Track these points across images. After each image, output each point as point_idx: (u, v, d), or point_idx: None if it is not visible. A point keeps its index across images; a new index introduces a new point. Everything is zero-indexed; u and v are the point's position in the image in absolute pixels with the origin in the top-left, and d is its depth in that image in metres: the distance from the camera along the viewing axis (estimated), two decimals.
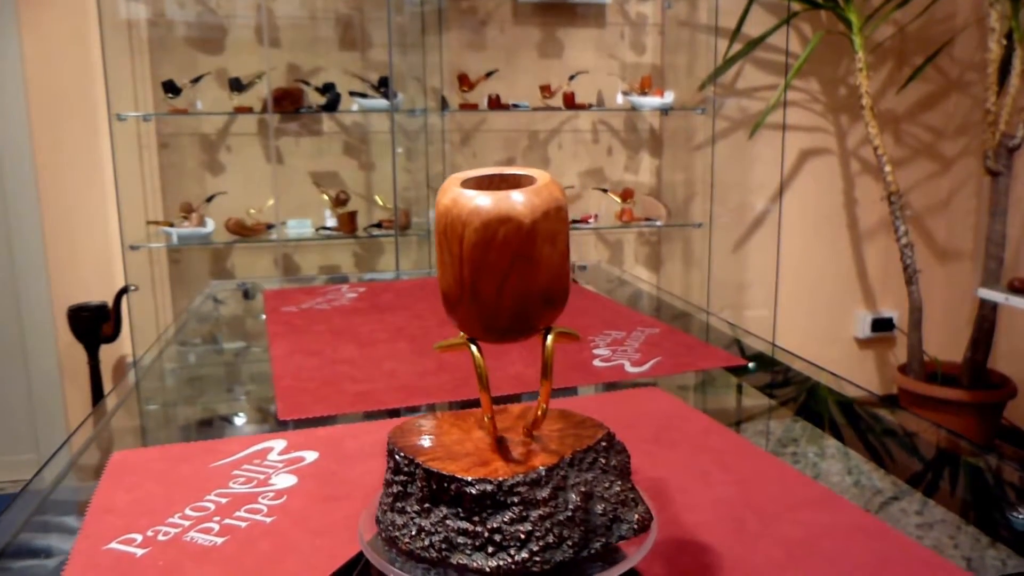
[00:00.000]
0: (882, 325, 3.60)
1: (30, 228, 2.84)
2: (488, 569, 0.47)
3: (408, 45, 3.03)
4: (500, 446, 0.52)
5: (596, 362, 1.18)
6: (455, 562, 0.48)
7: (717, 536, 0.69)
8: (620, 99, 3.24)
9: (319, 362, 1.23)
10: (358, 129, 3.11)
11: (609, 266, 2.63)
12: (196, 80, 2.83)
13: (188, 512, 0.79)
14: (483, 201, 0.43)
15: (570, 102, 3.11)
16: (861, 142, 3.46)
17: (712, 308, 3.29)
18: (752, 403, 1.12)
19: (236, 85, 2.84)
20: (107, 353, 2.91)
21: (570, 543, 0.48)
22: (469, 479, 0.49)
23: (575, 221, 3.16)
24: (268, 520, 0.77)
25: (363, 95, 2.95)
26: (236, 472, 0.87)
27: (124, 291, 2.79)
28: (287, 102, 2.86)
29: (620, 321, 1.41)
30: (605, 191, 3.25)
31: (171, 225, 2.84)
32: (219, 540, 0.73)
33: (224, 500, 0.81)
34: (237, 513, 0.78)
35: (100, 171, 2.86)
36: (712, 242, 3.26)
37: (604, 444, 0.51)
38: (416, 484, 0.50)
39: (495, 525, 0.48)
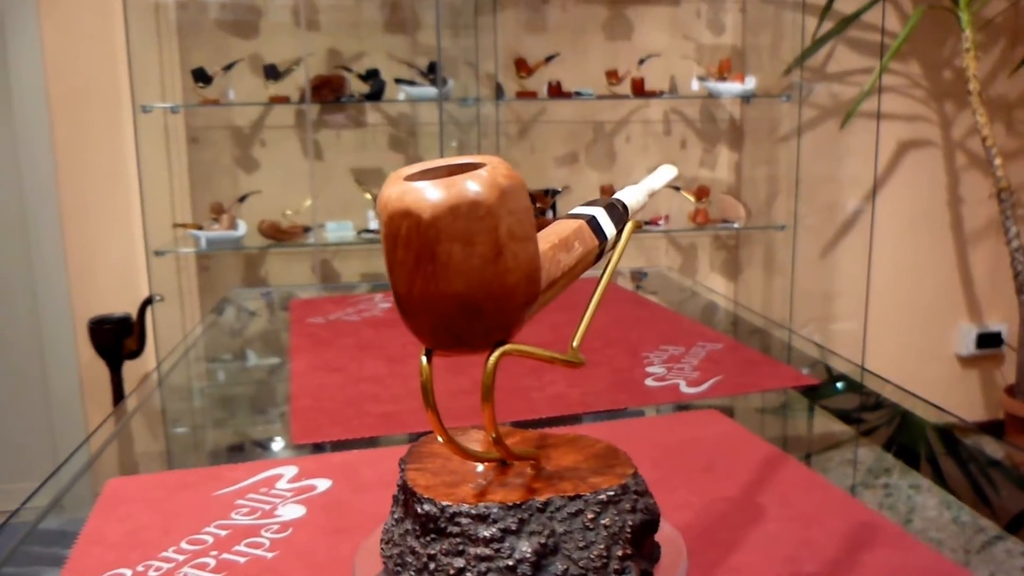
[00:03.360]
0: (989, 341, 3.51)
1: (49, 231, 2.91)
2: None
3: (460, 27, 3.04)
4: (498, 471, 0.52)
5: (649, 381, 1.17)
6: None
7: None
8: (695, 85, 3.20)
9: (342, 380, 1.23)
10: (405, 120, 3.13)
11: (675, 273, 2.61)
12: (228, 67, 2.88)
13: (184, 545, 0.79)
14: (392, 192, 0.42)
15: (639, 89, 3.09)
16: (967, 132, 3.37)
17: (795, 321, 3.24)
18: (825, 430, 1.09)
19: (272, 73, 2.88)
20: (131, 370, 2.95)
21: None
22: (422, 496, 0.50)
23: (646, 223, 3.14)
24: (269, 556, 0.76)
25: (410, 83, 2.97)
26: (240, 502, 0.87)
27: (149, 301, 2.84)
28: (327, 91, 2.89)
29: (679, 335, 1.39)
30: (677, 189, 3.21)
31: (200, 228, 2.89)
32: None
33: (224, 533, 0.81)
34: (236, 547, 0.78)
35: (123, 168, 2.92)
36: (796, 246, 3.21)
37: (604, 499, 0.49)
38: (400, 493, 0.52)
39: (432, 551, 0.49)
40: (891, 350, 3.42)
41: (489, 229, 0.42)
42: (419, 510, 0.50)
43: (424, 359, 0.48)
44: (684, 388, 1.14)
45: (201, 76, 2.83)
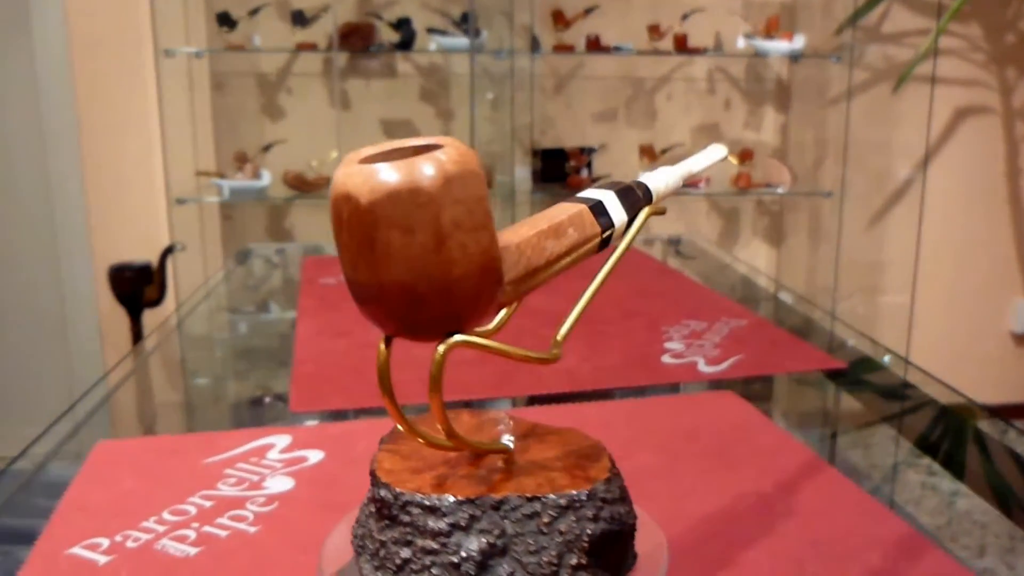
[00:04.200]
0: None
1: (70, 177, 2.93)
2: None
3: None
4: (469, 461, 0.51)
5: (666, 358, 1.15)
6: (360, 563, 0.52)
7: None
8: (741, 43, 3.14)
9: (347, 345, 1.22)
10: (436, 71, 3.11)
11: (709, 243, 2.57)
12: (254, 12, 2.86)
13: (166, 516, 0.78)
14: (339, 174, 0.42)
15: (682, 45, 3.04)
16: None
17: (839, 291, 3.19)
18: (848, 419, 1.07)
19: (299, 18, 2.86)
20: (151, 318, 2.97)
21: None
22: (380, 480, 0.50)
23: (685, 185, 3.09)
24: (252, 530, 0.76)
25: (442, 32, 2.94)
26: (229, 471, 0.87)
27: (170, 250, 2.86)
28: (356, 39, 2.87)
29: (704, 309, 1.36)
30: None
31: (223, 177, 2.89)
32: (192, 551, 0.73)
33: (208, 504, 0.80)
34: (219, 520, 0.78)
35: (145, 114, 2.92)
36: (843, 214, 3.16)
37: (564, 503, 0.47)
38: None
39: (384, 538, 0.49)
40: (941, 325, 3.36)
41: (430, 218, 0.41)
42: (376, 494, 0.50)
43: (383, 344, 0.47)
44: (702, 367, 1.11)
45: (226, 20, 2.81)
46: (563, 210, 0.54)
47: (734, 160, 3.12)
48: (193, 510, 0.79)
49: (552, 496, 0.46)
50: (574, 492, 0.47)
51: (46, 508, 0.81)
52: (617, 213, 0.56)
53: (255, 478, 0.85)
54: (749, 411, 0.98)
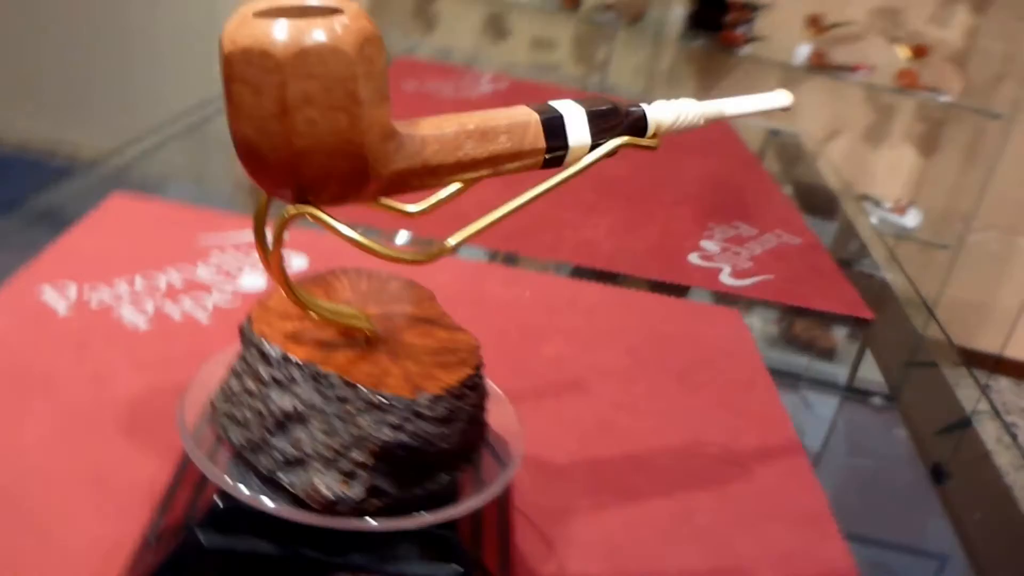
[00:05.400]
0: None
1: None
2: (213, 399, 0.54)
3: None
4: (343, 329, 0.52)
5: (693, 256, 1.14)
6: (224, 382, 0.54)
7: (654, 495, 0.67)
8: None
9: None
10: None
11: (812, 139, 2.47)
12: None
13: (136, 283, 0.84)
14: (232, 17, 0.43)
15: None
16: None
17: (977, 222, 3.05)
18: (838, 375, 1.06)
19: None
20: None
21: (253, 432, 0.50)
22: (251, 313, 0.53)
23: (842, 68, 2.96)
24: (205, 322, 0.81)
25: None
26: (215, 254, 0.92)
27: None
28: None
29: (762, 214, 1.34)
30: (896, 40, 2.99)
31: None
32: (143, 326, 0.78)
33: (179, 283, 0.86)
34: (181, 301, 0.83)
35: None
36: (1009, 142, 2.97)
37: (375, 402, 0.48)
38: None
39: (234, 364, 0.53)
40: None
41: (276, 85, 0.41)
42: (241, 323, 0.53)
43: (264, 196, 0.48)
44: (725, 277, 1.11)
45: None
46: (508, 115, 0.52)
47: (905, 52, 2.95)
48: (163, 286, 0.85)
49: (366, 390, 0.48)
50: (387, 395, 0.48)
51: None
52: (578, 135, 0.54)
53: (234, 268, 0.90)
54: (744, 338, 0.98)
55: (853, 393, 1.03)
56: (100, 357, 0.73)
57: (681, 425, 0.80)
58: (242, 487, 0.49)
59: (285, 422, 0.49)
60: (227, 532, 0.51)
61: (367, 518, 0.48)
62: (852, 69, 2.97)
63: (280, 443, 0.49)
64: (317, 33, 0.41)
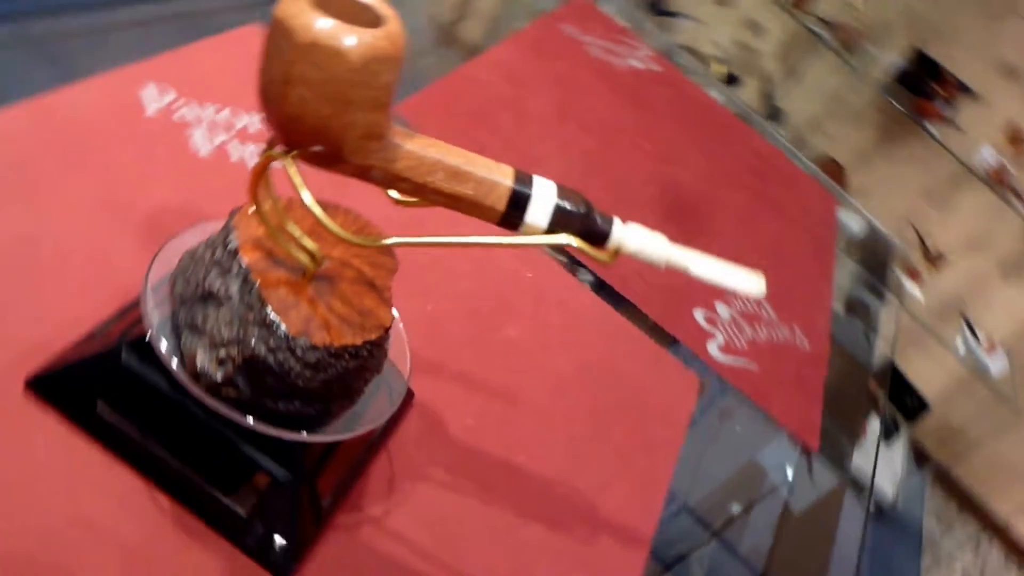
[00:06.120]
0: None
1: None
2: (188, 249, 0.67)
3: None
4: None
5: (698, 312, 1.18)
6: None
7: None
8: None
9: (505, 108, 1.34)
10: None
11: (944, 246, 2.36)
12: None
13: (222, 114, 0.97)
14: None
15: None
16: None
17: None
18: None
19: None
20: None
21: (187, 292, 0.63)
22: (233, 211, 0.65)
23: (1018, 194, 2.87)
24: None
25: None
26: None
27: None
28: None
29: (790, 303, 1.36)
30: None
31: None
32: (203, 154, 0.92)
33: (251, 130, 0.99)
34: (246, 146, 0.96)
35: None
36: None
37: (267, 320, 0.59)
38: None
39: (194, 248, 0.66)
40: None
41: (287, 60, 0.52)
42: (225, 219, 0.65)
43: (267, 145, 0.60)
44: (712, 345, 1.15)
45: None
46: (487, 169, 0.60)
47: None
48: (240, 125, 0.98)
49: (269, 309, 0.59)
50: (278, 322, 0.59)
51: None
52: (536, 217, 0.61)
53: None
54: (686, 406, 1.05)
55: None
56: (152, 164, 0.87)
57: (573, 448, 0.91)
58: (154, 324, 0.63)
59: (207, 298, 0.62)
60: (144, 360, 0.65)
61: (219, 403, 0.61)
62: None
63: (196, 310, 0.63)
64: (334, 36, 0.52)
